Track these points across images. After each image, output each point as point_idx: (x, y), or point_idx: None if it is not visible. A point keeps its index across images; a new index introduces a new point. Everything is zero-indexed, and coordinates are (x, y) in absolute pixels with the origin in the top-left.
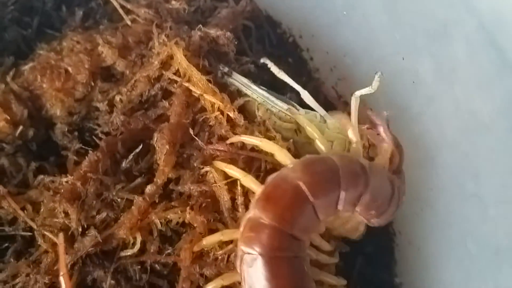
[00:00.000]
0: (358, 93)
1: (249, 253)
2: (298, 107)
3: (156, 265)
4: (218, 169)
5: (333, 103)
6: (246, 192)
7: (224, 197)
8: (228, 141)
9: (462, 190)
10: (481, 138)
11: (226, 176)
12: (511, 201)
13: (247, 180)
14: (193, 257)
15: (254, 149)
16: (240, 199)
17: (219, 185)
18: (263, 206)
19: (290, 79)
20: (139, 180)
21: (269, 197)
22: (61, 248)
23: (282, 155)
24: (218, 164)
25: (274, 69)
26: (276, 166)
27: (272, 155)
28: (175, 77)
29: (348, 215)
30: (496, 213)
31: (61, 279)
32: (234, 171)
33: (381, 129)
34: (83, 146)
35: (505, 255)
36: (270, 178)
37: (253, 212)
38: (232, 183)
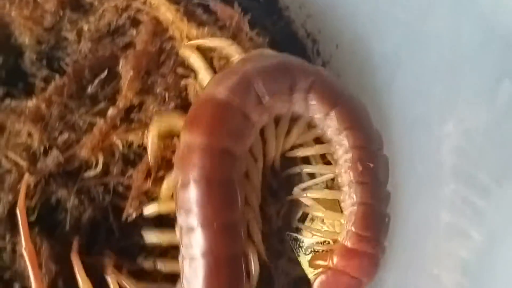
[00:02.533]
0: None
1: (182, 178)
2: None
3: (120, 187)
4: None
5: (302, 41)
6: None
7: None
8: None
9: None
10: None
11: None
12: None
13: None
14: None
15: None
16: None
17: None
18: (190, 126)
19: None
20: (102, 104)
21: (192, 116)
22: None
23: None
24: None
25: None
26: None
27: None
28: (142, 6)
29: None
30: None
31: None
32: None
33: None
34: (52, 72)
35: None
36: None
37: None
38: None
